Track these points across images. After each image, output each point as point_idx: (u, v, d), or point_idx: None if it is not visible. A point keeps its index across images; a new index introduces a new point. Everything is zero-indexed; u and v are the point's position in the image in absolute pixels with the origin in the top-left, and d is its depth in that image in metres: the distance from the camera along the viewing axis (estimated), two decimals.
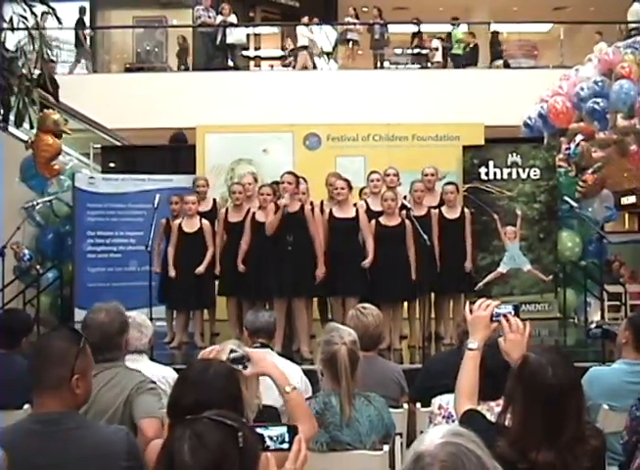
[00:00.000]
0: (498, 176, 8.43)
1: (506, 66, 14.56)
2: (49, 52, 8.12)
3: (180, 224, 7.03)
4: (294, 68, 14.01)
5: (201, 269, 6.88)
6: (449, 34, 14.72)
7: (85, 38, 13.65)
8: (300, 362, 4.94)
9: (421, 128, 9.07)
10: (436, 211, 7.04)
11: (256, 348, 3.51)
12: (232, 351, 2.34)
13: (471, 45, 14.31)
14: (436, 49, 14.42)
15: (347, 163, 8.65)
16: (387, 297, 6.47)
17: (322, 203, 7.10)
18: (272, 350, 3.79)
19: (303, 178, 7.08)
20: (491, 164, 8.43)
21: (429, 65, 14.56)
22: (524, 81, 12.21)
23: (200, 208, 7.19)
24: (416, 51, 14.88)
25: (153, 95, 12.31)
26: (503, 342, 2.34)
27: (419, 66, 14.77)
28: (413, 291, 6.66)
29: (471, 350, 2.36)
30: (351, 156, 8.83)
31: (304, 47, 13.83)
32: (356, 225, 6.59)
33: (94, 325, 2.92)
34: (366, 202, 7.08)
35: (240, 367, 2.31)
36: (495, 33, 14.76)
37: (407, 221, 6.62)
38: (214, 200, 7.71)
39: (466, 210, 7.19)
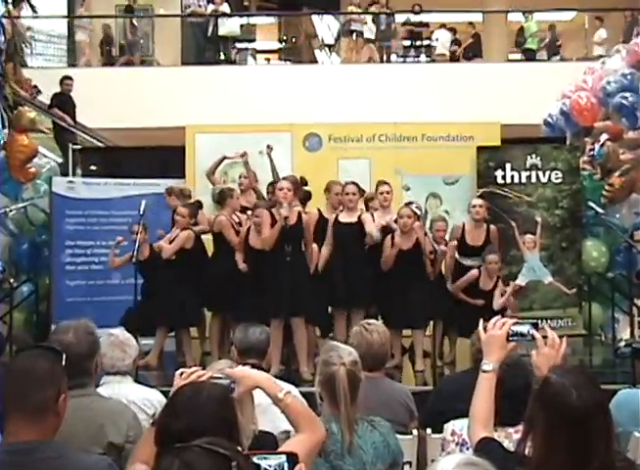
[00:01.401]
0: (516, 180, 8.43)
1: (562, 60, 14.54)
2: (24, 44, 8.14)
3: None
4: (299, 62, 14.02)
5: (165, 247, 6.90)
6: (521, 28, 14.79)
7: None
8: (298, 384, 4.93)
9: (431, 128, 9.08)
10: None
11: None
12: (213, 378, 2.30)
13: (539, 38, 14.39)
14: (438, 42, 14.50)
15: (351, 166, 8.66)
16: (400, 322, 6.59)
17: (320, 211, 7.09)
18: (264, 371, 3.77)
19: (304, 181, 7.11)
20: (508, 166, 8.43)
21: (439, 58, 14.63)
22: (544, 75, 12.23)
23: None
24: (425, 43, 14.96)
25: (138, 91, 12.35)
26: (535, 355, 2.35)
27: (429, 59, 14.83)
28: (427, 316, 6.76)
29: (485, 371, 2.37)
30: (355, 158, 8.84)
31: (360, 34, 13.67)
32: (361, 231, 6.66)
33: (60, 347, 2.89)
34: (372, 216, 7.07)
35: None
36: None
37: (423, 239, 6.66)
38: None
39: (492, 227, 7.24)
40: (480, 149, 8.55)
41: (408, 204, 7.07)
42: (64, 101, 10.76)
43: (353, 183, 6.90)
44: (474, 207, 7.19)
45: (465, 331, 6.69)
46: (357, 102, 11.97)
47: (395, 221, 6.85)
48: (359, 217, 6.78)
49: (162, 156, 9.82)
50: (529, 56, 14.58)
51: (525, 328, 2.40)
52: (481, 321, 2.51)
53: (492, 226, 7.29)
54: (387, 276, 6.70)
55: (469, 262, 7.08)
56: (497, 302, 6.84)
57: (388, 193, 7.14)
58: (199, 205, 7.72)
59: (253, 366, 3.57)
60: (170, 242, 7.04)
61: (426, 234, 6.86)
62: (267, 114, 10.76)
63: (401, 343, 7.01)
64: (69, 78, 10.95)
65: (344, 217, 6.76)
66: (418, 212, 6.97)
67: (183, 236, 7.01)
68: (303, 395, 3.71)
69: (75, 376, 2.78)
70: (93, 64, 14.49)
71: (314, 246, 6.74)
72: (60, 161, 10.17)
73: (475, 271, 6.92)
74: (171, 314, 6.98)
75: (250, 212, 7.29)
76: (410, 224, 6.73)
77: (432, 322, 6.98)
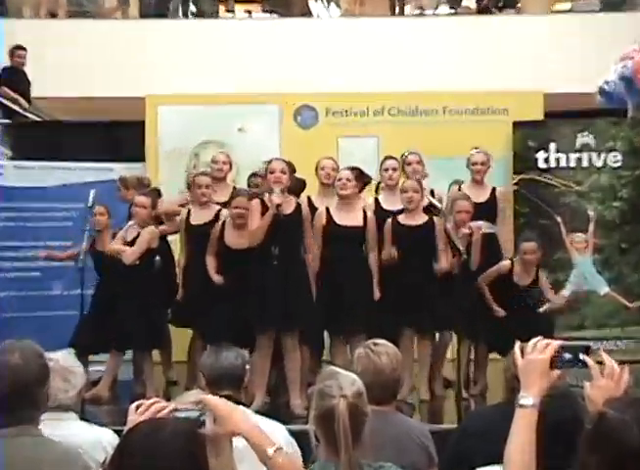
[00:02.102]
0: (563, 163, 8.47)
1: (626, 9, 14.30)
2: None
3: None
4: (288, 15, 13.92)
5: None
6: None
7: None
8: (289, 421, 4.92)
9: (455, 98, 9.12)
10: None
11: None
12: (178, 410, 2.29)
13: None
14: None
15: (354, 145, 8.69)
16: (407, 326, 6.58)
17: (309, 199, 7.12)
18: (243, 405, 3.76)
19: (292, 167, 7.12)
20: (553, 146, 8.47)
21: (464, 10, 14.62)
22: (599, 31, 12.23)
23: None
24: None
25: (84, 51, 12.31)
26: (589, 388, 2.36)
27: (452, 11, 14.81)
28: (447, 318, 6.71)
29: (523, 406, 2.37)
30: (359, 136, 8.85)
31: None
32: (364, 236, 6.78)
33: (3, 370, 2.87)
34: (377, 200, 7.11)
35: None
36: None
37: (436, 220, 6.70)
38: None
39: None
40: (517, 125, 8.58)
41: (431, 193, 7.12)
42: (15, 77, 10.74)
43: (352, 169, 6.90)
44: None
45: (497, 346, 6.76)
46: (362, 66, 11.95)
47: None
48: (365, 217, 6.79)
49: (116, 134, 9.82)
50: (580, 6, 14.53)
51: (574, 352, 2.40)
52: (517, 343, 2.51)
53: None
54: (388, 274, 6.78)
55: (485, 227, 7.04)
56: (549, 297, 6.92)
57: (394, 170, 7.19)
58: (158, 192, 7.70)
59: (227, 399, 3.56)
60: (128, 243, 7.02)
61: (447, 233, 6.85)
62: (248, 81, 10.79)
63: (440, 372, 7.09)
64: (22, 49, 10.91)
65: (342, 217, 6.76)
66: (439, 206, 6.98)
67: (147, 234, 7.00)
68: (294, 434, 3.73)
69: (21, 407, 2.77)
70: (25, 14, 14.37)
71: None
72: None
73: (507, 262, 6.96)
74: (128, 333, 6.97)
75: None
76: (417, 201, 6.81)
77: (454, 337, 6.99)
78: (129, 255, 6.90)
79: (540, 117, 8.81)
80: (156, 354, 7.47)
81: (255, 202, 6.53)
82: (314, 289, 6.61)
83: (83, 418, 3.84)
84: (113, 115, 10.29)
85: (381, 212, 7.03)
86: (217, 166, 7.51)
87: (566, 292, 7.90)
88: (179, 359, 7.63)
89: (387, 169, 7.25)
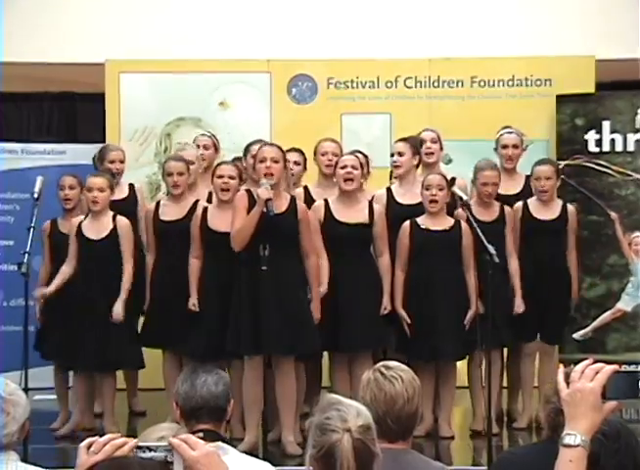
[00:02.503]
0: (619, 147, 8.46)
1: None
2: None
3: (80, 225, 7.05)
4: None
5: (118, 309, 6.98)
6: None
7: None
8: (280, 461, 4.90)
9: (485, 66, 9.14)
10: (518, 205, 7.08)
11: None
12: (140, 448, 2.27)
13: None
14: None
15: (361, 124, 8.66)
16: (427, 351, 6.57)
17: (306, 189, 7.11)
18: (226, 442, 3.73)
19: (299, 150, 7.14)
20: (607, 125, 8.43)
21: None
22: None
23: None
24: None
25: (32, 8, 12.29)
26: None
27: None
28: (471, 341, 6.70)
29: (569, 446, 2.37)
30: (367, 113, 8.83)
31: None
32: (371, 236, 6.99)
33: None
34: (389, 190, 7.08)
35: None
36: None
37: (465, 226, 6.67)
38: (131, 185, 7.71)
39: (570, 206, 7.26)
40: (562, 99, 8.53)
41: (452, 181, 7.05)
42: None
43: (355, 154, 6.88)
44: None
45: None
46: (370, 27, 11.90)
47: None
48: (371, 212, 6.76)
49: (69, 108, 9.81)
50: None
51: (628, 380, 2.37)
52: (561, 367, 2.47)
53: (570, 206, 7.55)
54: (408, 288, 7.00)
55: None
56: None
57: (400, 155, 7.13)
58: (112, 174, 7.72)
59: (207, 434, 3.55)
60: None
61: (471, 225, 6.79)
62: (232, 44, 10.73)
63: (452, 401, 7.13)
64: None
65: (344, 213, 6.75)
66: (464, 197, 6.95)
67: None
68: None
69: None
70: None
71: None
72: None
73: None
74: (90, 351, 7.04)
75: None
76: (443, 200, 6.98)
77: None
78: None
79: (591, 89, 8.78)
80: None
81: (241, 194, 6.50)
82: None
83: (26, 460, 3.81)
84: (65, 85, 10.28)
85: (394, 207, 6.99)
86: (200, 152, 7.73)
87: (622, 304, 7.86)
88: (147, 386, 7.60)
89: (392, 154, 7.22)
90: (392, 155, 7.25)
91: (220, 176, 6.91)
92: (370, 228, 6.85)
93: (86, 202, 7.17)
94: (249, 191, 6.57)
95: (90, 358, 7.08)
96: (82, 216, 7.24)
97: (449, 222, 6.98)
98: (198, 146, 7.81)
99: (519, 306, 7.09)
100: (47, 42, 11.86)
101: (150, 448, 2.29)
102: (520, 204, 7.31)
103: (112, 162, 7.64)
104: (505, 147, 7.49)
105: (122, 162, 7.76)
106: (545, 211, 7.31)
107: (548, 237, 7.32)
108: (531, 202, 7.34)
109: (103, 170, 7.50)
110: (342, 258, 6.81)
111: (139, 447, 2.28)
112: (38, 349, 7.39)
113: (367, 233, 6.85)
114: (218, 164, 7.20)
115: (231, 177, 6.88)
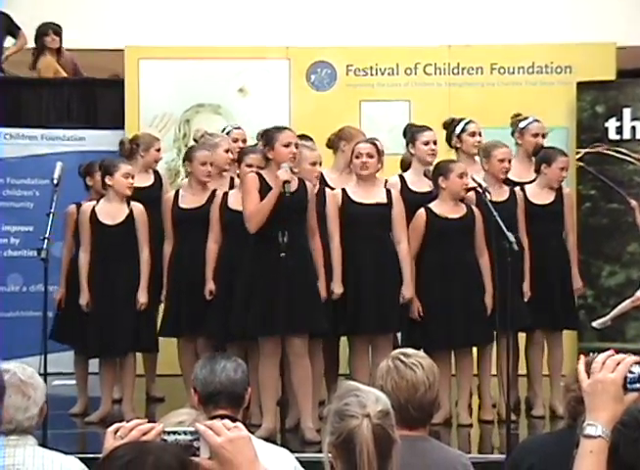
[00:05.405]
0: (639, 135, 8.37)
1: None
2: None
3: (94, 210, 7.07)
4: None
5: (142, 298, 7.11)
6: None
7: None
8: (296, 449, 4.90)
9: (505, 53, 9.06)
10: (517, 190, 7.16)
11: None
12: (166, 433, 2.29)
13: None
14: None
15: (380, 111, 8.64)
16: (445, 339, 6.59)
17: (322, 177, 7.13)
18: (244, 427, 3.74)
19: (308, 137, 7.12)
20: (628, 113, 8.40)
21: None
22: None
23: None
24: None
25: None
26: None
27: None
28: (489, 329, 6.70)
29: (589, 437, 2.37)
30: (387, 100, 8.80)
31: None
32: (390, 217, 6.88)
33: None
34: (402, 178, 7.06)
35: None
36: None
37: (476, 211, 6.68)
38: (156, 172, 7.73)
39: (565, 189, 7.26)
40: (582, 86, 8.49)
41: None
42: None
43: (370, 142, 6.89)
44: None
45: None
46: (390, 13, 11.87)
47: None
48: (388, 193, 6.78)
49: (89, 94, 9.80)
50: None
51: None
52: (582, 358, 2.47)
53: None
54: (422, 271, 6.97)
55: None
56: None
57: (435, 143, 7.18)
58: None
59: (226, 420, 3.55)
60: None
61: (490, 213, 6.77)
62: (252, 31, 10.74)
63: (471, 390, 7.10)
64: None
65: (361, 195, 6.76)
66: (483, 184, 6.92)
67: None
68: (306, 465, 3.70)
69: None
70: None
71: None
72: None
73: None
74: (106, 335, 7.06)
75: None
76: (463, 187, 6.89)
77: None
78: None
79: (612, 76, 8.74)
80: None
81: (252, 176, 6.51)
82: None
83: (44, 444, 3.83)
84: (85, 71, 10.28)
85: (408, 194, 7.00)
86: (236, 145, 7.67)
87: None
88: (166, 372, 7.62)
89: (427, 143, 7.19)
90: (427, 143, 7.17)
91: (249, 165, 6.95)
92: (389, 208, 6.84)
93: (120, 188, 7.13)
94: (259, 174, 6.58)
95: (104, 343, 7.09)
96: (94, 202, 7.24)
97: (463, 209, 6.96)
98: (235, 140, 7.78)
99: (526, 293, 7.07)
100: (67, 29, 11.87)
101: (177, 432, 2.30)
102: (518, 188, 7.28)
103: (158, 150, 7.71)
104: (536, 135, 7.46)
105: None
106: (542, 196, 7.27)
107: (546, 221, 7.27)
108: (529, 187, 7.32)
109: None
110: (363, 241, 6.82)
111: (165, 432, 2.29)
112: (55, 335, 7.41)
113: (386, 212, 6.84)
114: (246, 153, 7.19)
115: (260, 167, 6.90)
